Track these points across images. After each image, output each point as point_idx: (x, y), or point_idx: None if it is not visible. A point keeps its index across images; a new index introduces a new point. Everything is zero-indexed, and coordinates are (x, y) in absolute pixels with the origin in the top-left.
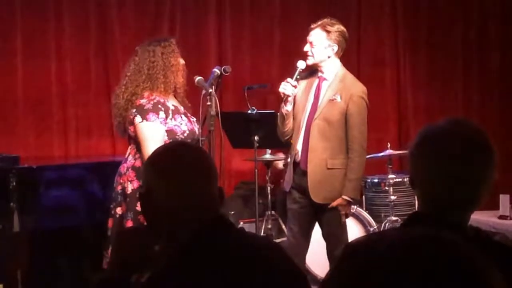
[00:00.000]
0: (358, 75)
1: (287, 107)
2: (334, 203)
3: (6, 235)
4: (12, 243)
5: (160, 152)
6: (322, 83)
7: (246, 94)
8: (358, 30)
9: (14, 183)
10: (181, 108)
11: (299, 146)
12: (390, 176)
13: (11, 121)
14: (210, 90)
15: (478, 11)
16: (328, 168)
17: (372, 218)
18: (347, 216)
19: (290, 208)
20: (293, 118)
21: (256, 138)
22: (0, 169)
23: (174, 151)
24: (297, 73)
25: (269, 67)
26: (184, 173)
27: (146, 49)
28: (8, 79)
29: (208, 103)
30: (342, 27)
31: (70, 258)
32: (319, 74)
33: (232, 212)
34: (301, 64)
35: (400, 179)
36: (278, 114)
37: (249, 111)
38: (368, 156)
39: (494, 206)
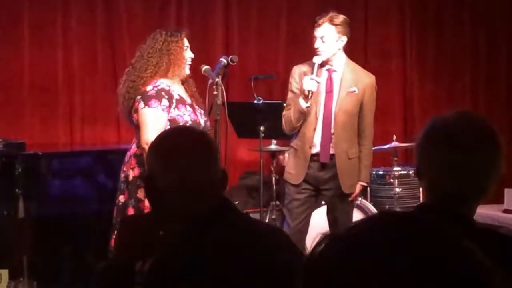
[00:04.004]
0: (365, 67)
1: (308, 103)
2: (357, 191)
3: (11, 221)
4: (17, 229)
5: (162, 136)
6: (332, 75)
7: (252, 84)
8: (365, 22)
9: (20, 170)
10: (188, 99)
11: (316, 139)
12: (395, 168)
13: (17, 107)
14: (217, 80)
15: (486, 4)
16: (349, 158)
17: (377, 210)
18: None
19: (296, 199)
20: None
21: (261, 128)
22: (6, 156)
23: (175, 134)
24: (316, 69)
25: (275, 57)
26: (184, 155)
27: (152, 37)
28: (14, 65)
29: (215, 92)
30: (345, 17)
31: (74, 245)
32: (328, 66)
33: (237, 202)
34: (317, 60)
35: (405, 172)
36: (289, 111)
37: (255, 101)
38: (373, 148)
39: (499, 200)
